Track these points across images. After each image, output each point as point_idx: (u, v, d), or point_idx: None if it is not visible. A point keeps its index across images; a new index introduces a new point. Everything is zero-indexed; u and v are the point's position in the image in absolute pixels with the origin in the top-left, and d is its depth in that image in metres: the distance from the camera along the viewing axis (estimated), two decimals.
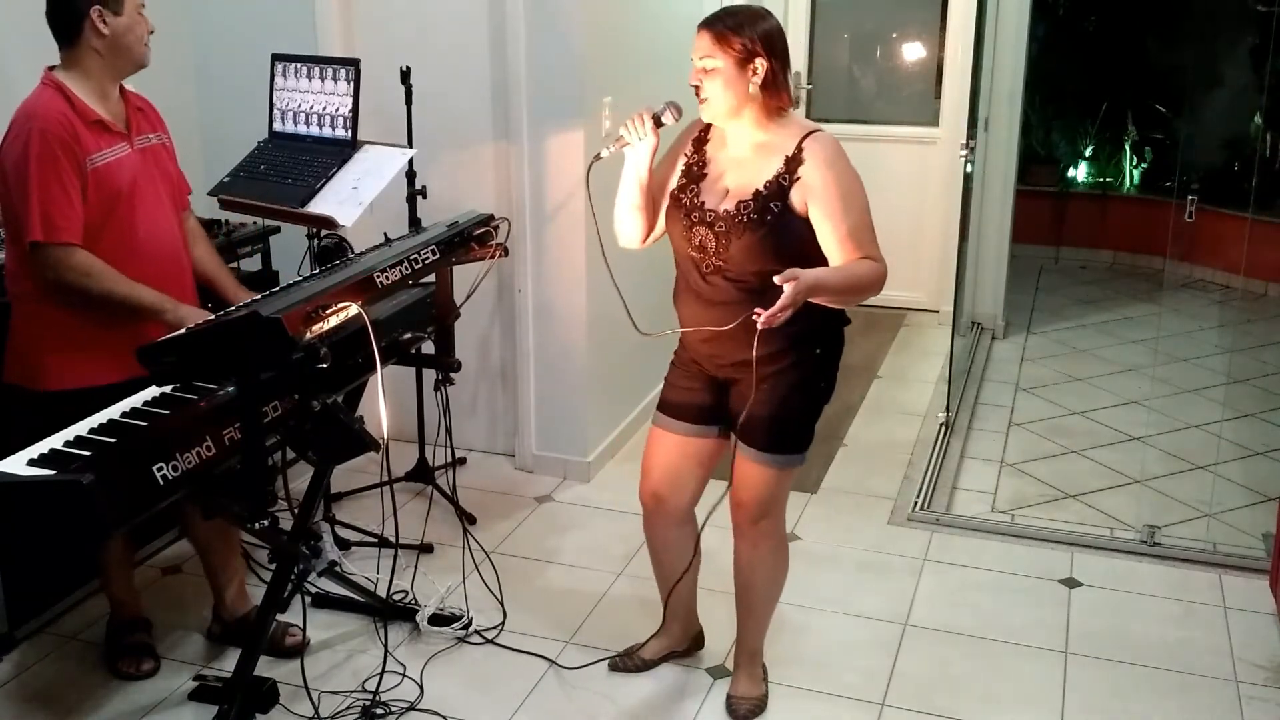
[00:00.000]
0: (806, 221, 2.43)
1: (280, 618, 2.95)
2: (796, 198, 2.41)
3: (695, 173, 2.53)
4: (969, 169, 4.74)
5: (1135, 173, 7.37)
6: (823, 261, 2.44)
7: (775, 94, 2.43)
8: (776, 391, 2.53)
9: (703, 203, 2.48)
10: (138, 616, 3.04)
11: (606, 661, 3.00)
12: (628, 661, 2.99)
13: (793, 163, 2.42)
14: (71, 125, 2.56)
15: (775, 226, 2.42)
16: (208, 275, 2.96)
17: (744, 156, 2.49)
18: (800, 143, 2.43)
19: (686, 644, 3.04)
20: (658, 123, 2.49)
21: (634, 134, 2.47)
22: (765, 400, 2.53)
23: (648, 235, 2.63)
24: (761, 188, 2.43)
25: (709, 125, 2.55)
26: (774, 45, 2.41)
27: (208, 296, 2.96)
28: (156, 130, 2.83)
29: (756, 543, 2.71)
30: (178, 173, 2.91)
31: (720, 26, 2.39)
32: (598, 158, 2.49)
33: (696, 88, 2.43)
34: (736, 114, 2.44)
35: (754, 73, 2.39)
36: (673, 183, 2.57)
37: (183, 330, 2.32)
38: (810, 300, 2.30)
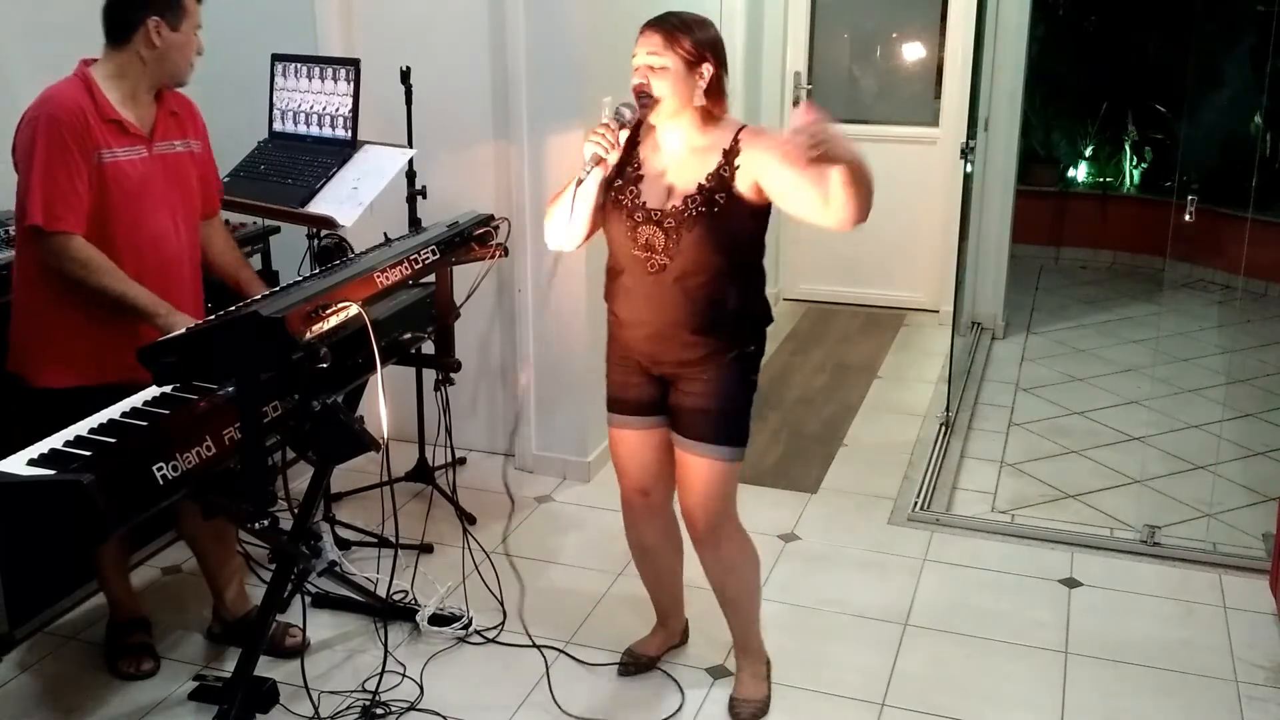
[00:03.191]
0: (751, 212, 2.48)
1: (280, 618, 2.96)
2: (743, 183, 2.45)
3: (631, 174, 2.54)
4: (969, 169, 4.74)
5: (1135, 173, 7.37)
6: (759, 254, 2.58)
7: (717, 100, 2.48)
8: (718, 385, 2.57)
9: (644, 202, 2.50)
10: (137, 616, 3.04)
11: (617, 667, 2.99)
12: (636, 663, 2.99)
13: (730, 154, 2.47)
14: (85, 117, 2.56)
15: (721, 218, 2.46)
16: (229, 273, 2.97)
17: (681, 157, 2.51)
18: (736, 135, 2.49)
19: (679, 637, 3.06)
20: (622, 126, 2.46)
21: (605, 146, 2.42)
22: (707, 393, 2.57)
23: (588, 237, 2.63)
24: (704, 181, 2.46)
25: (638, 126, 2.55)
26: (719, 52, 2.47)
27: (221, 297, 2.96)
28: (187, 136, 2.82)
29: (718, 546, 2.72)
30: (206, 181, 2.91)
31: (669, 27, 2.42)
32: (579, 182, 2.45)
33: (640, 86, 2.42)
34: (677, 115, 2.46)
35: (700, 77, 2.43)
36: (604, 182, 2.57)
37: (183, 330, 2.32)
38: (827, 164, 2.19)
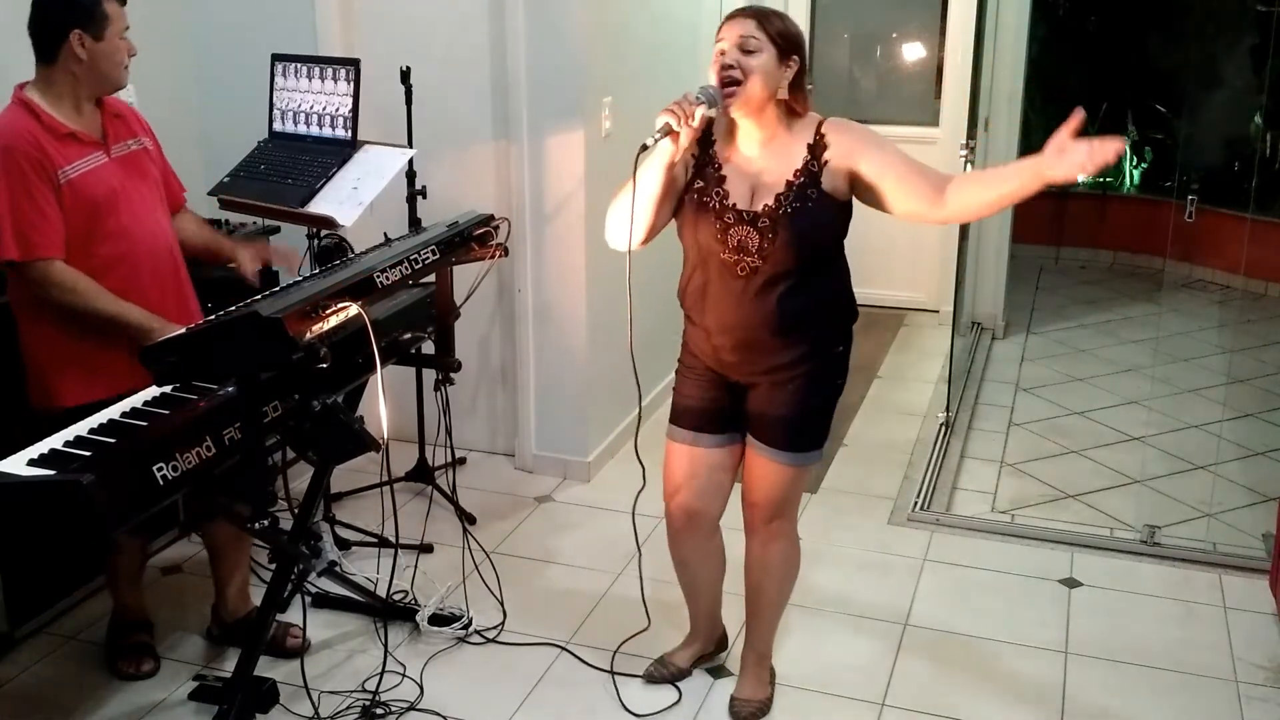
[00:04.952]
0: (839, 206, 2.43)
1: (281, 618, 2.95)
2: (834, 174, 2.39)
3: (711, 174, 2.46)
4: (969, 169, 4.74)
5: (1135, 173, 7.38)
6: (842, 250, 2.51)
7: (799, 97, 2.42)
8: (800, 391, 2.52)
9: (734, 204, 2.42)
10: (140, 619, 3.04)
11: (645, 675, 2.95)
12: (663, 670, 2.95)
13: (817, 148, 2.40)
14: (38, 141, 2.54)
15: (815, 214, 2.40)
16: (203, 244, 2.97)
17: (762, 155, 2.44)
18: (818, 129, 2.42)
19: (713, 646, 3.02)
20: (701, 104, 2.35)
21: (679, 118, 2.30)
22: (788, 401, 2.52)
23: (650, 235, 2.50)
24: (792, 178, 2.40)
25: (711, 124, 2.50)
26: (803, 48, 2.41)
27: (220, 297, 2.95)
28: (136, 135, 2.80)
29: (769, 542, 2.70)
30: (166, 176, 2.90)
31: (762, 12, 2.37)
32: (644, 148, 2.34)
33: (729, 69, 2.33)
34: (762, 108, 2.39)
35: (788, 68, 2.37)
36: (680, 182, 2.49)
37: (183, 330, 2.32)
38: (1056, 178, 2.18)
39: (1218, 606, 3.32)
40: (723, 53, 2.36)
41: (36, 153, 2.54)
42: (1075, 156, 2.13)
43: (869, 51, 6.35)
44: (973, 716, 2.83)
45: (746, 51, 2.34)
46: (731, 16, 2.40)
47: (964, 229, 4.86)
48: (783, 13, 2.45)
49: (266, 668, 2.89)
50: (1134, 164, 7.36)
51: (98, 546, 2.90)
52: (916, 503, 3.93)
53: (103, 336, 2.62)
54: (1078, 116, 2.14)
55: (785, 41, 2.36)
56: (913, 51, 6.23)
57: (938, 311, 6.07)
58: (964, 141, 4.63)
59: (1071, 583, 3.45)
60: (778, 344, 2.47)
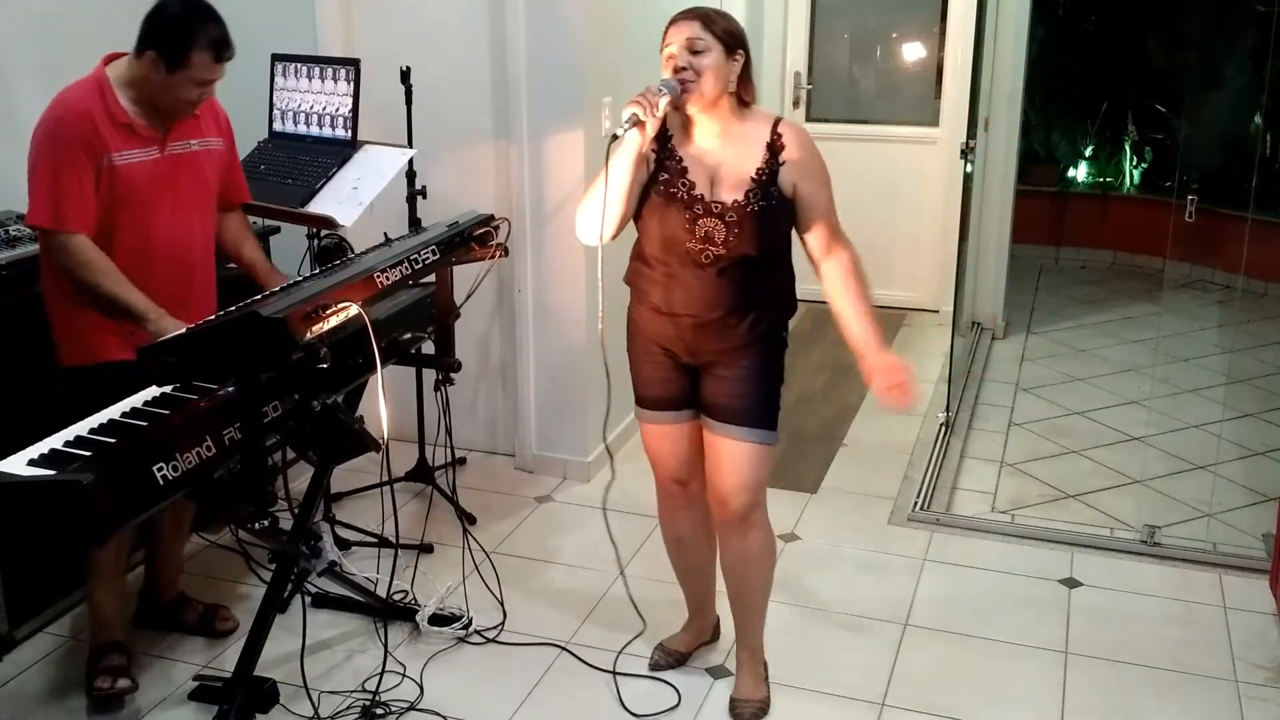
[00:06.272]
0: (789, 203, 2.54)
1: (219, 604, 3.06)
2: (786, 180, 2.51)
3: (673, 166, 2.54)
4: (969, 169, 4.74)
5: (1135, 173, 7.37)
6: (789, 240, 2.63)
7: (747, 88, 2.53)
8: (754, 371, 2.60)
9: (701, 195, 2.50)
10: (116, 639, 2.90)
11: (649, 662, 3.00)
12: (666, 657, 3.00)
13: (775, 148, 2.51)
14: (93, 122, 2.59)
15: (777, 210, 2.51)
16: (260, 278, 3.00)
17: (716, 148, 2.52)
18: (775, 129, 2.52)
19: (709, 634, 3.07)
20: (664, 95, 2.42)
21: (645, 107, 2.39)
22: (746, 378, 2.60)
23: (619, 229, 2.56)
24: (754, 175, 2.49)
25: (666, 120, 2.53)
26: (747, 42, 2.52)
27: (231, 296, 2.96)
28: (205, 135, 2.84)
29: (746, 533, 2.72)
30: (224, 180, 2.93)
31: (705, 13, 2.47)
32: (615, 138, 2.41)
33: (682, 71, 2.42)
34: (715, 103, 2.48)
35: (736, 61, 2.47)
36: (644, 175, 2.55)
37: (184, 330, 2.32)
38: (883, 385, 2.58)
39: (1218, 606, 3.32)
40: (673, 56, 2.44)
41: (89, 131, 2.58)
42: (881, 384, 2.57)
43: (869, 51, 6.34)
44: (973, 716, 2.83)
45: (695, 52, 2.43)
46: (675, 20, 2.48)
47: (964, 228, 4.86)
48: (723, 11, 2.54)
49: (264, 667, 2.89)
50: (1134, 164, 7.36)
51: (97, 546, 2.89)
52: (916, 503, 3.93)
53: (102, 311, 2.66)
54: (907, 389, 2.58)
55: (730, 38, 2.47)
56: (913, 51, 6.22)
57: (938, 311, 6.07)
58: (964, 141, 4.63)
59: (1071, 583, 3.45)
60: (735, 322, 2.56)
